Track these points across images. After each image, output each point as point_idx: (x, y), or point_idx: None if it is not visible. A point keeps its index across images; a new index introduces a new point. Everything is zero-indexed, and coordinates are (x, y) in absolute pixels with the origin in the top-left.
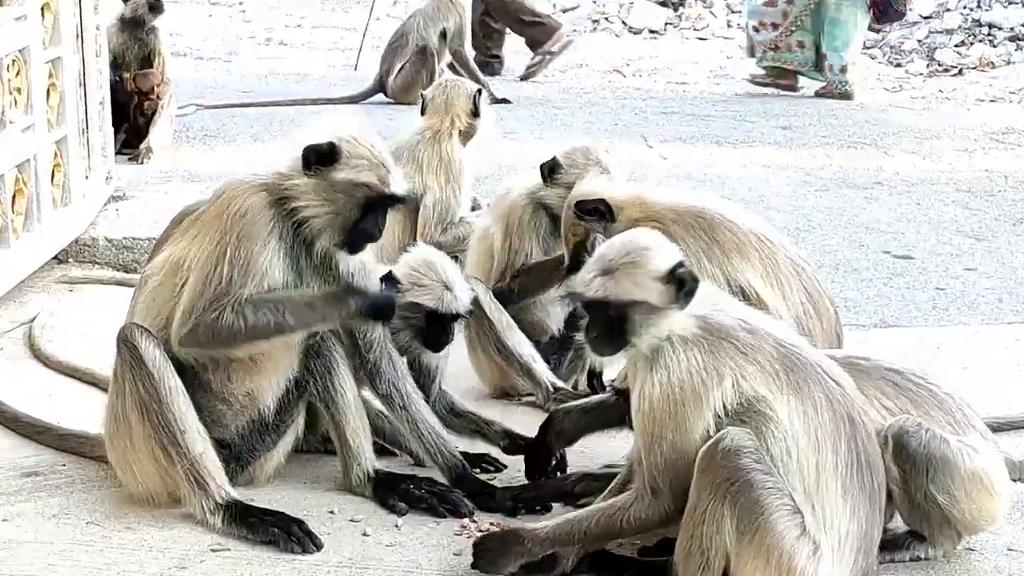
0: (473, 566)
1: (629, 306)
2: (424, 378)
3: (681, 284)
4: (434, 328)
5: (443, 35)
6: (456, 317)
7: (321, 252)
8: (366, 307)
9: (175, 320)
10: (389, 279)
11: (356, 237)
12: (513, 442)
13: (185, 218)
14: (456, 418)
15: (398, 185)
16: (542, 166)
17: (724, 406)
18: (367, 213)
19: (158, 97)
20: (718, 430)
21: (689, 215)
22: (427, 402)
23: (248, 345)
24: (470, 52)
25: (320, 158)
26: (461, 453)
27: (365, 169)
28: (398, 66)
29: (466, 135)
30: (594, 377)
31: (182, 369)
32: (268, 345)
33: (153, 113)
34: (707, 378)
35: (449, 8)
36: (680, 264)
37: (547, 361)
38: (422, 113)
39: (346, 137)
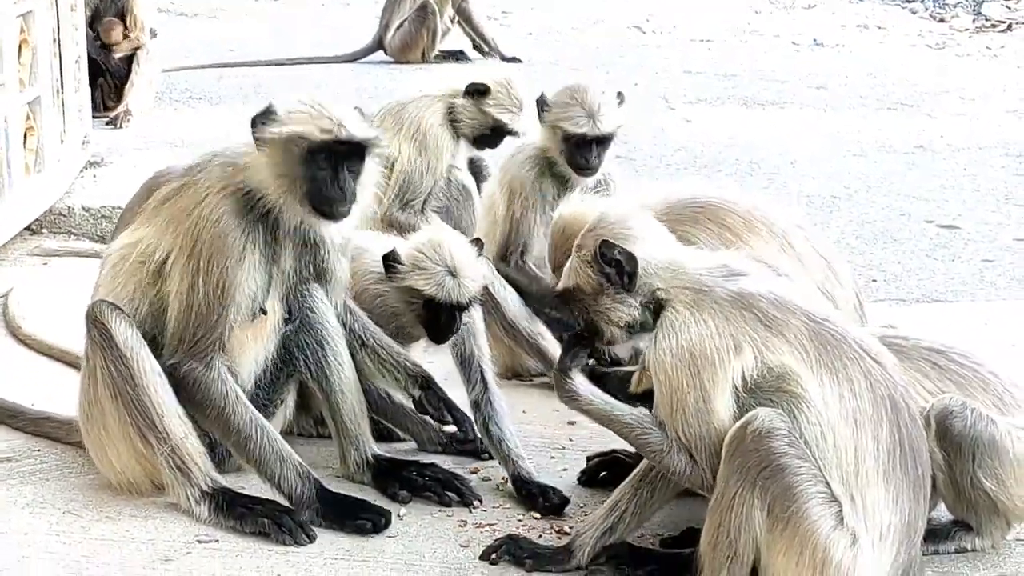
0: (482, 557)
1: (572, 292)
2: (465, 364)
3: (617, 266)
4: (435, 316)
5: None
6: (459, 307)
7: (299, 245)
8: (320, 509)
9: (166, 345)
10: (391, 257)
11: (317, 198)
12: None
13: (155, 187)
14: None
15: (344, 131)
16: (537, 101)
17: (745, 379)
18: (318, 168)
19: (134, 52)
20: (743, 410)
21: (688, 209)
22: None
23: (206, 418)
24: (476, 9)
25: (257, 126)
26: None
27: (300, 121)
28: (396, 23)
29: (455, 119)
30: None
31: (156, 344)
32: (221, 435)
33: (128, 71)
34: (720, 343)
35: None
36: (605, 245)
37: (562, 340)
38: None
39: (280, 100)
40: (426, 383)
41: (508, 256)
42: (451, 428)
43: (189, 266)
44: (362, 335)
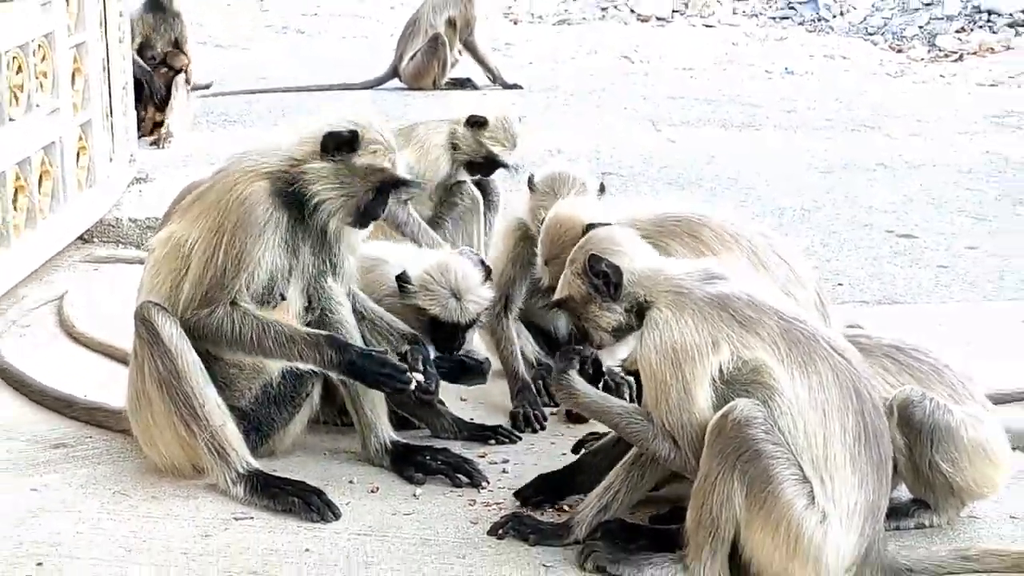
0: (490, 532)
1: (565, 301)
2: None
3: (604, 277)
4: (440, 334)
5: (450, 23)
6: (459, 326)
7: (319, 231)
8: (343, 364)
9: (179, 307)
10: (402, 279)
11: (363, 217)
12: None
13: (189, 193)
14: None
15: (404, 169)
16: (528, 179)
17: (723, 372)
18: (379, 193)
19: (174, 78)
20: (721, 399)
21: (669, 222)
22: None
23: (231, 352)
24: (481, 40)
25: (340, 144)
26: (477, 424)
27: (381, 154)
28: (410, 53)
29: (454, 144)
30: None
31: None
32: (251, 360)
33: (168, 94)
34: (700, 341)
35: None
36: (593, 259)
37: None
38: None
39: (364, 124)
40: (415, 339)
41: (494, 305)
42: (420, 376)
43: (212, 239)
44: (362, 310)
